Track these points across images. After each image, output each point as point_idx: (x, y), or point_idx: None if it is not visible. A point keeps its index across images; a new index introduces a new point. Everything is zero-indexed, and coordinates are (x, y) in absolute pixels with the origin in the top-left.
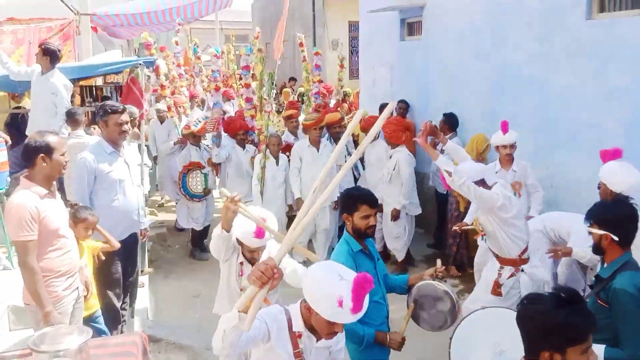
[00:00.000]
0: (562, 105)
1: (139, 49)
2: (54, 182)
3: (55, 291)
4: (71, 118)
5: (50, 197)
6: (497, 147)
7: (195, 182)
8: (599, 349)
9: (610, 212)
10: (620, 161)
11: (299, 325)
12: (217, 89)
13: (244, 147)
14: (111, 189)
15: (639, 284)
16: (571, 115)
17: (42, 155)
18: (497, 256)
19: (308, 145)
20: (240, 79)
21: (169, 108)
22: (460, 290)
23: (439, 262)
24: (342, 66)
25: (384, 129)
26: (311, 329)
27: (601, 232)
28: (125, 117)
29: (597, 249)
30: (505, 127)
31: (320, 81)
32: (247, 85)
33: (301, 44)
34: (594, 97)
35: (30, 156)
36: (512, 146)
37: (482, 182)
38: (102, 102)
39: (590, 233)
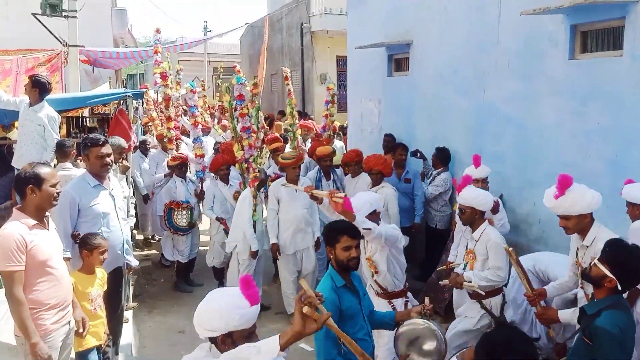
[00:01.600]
0: (542, 144)
1: (126, 81)
2: (47, 213)
3: (44, 324)
4: (60, 150)
5: (40, 228)
6: None
7: (181, 216)
8: None
9: (632, 264)
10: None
11: None
12: (195, 124)
13: (227, 183)
14: (94, 222)
15: (622, 324)
16: (551, 153)
17: (30, 186)
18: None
19: (283, 183)
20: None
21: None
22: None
23: (427, 300)
24: (333, 102)
25: (377, 166)
26: None
27: (610, 274)
28: (106, 149)
29: (592, 281)
30: (477, 162)
31: (327, 116)
32: (242, 115)
33: (286, 78)
34: (573, 136)
35: (20, 187)
36: (484, 180)
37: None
38: (85, 135)
39: (592, 263)
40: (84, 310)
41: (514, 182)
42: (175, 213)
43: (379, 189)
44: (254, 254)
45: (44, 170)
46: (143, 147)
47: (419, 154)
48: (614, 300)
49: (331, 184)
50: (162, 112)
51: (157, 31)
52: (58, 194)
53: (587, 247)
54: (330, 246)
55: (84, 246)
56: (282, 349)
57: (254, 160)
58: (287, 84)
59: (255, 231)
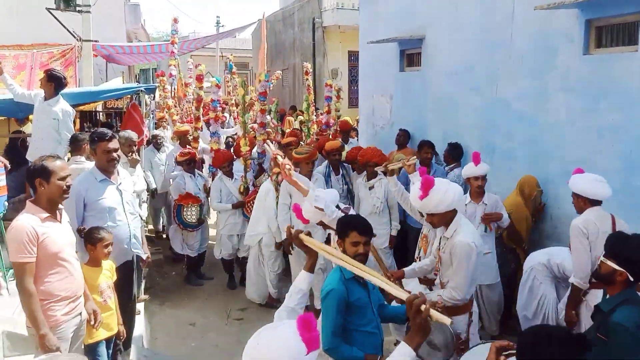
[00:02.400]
0: (554, 141)
1: (139, 75)
2: (60, 206)
3: (54, 315)
4: (73, 144)
5: (52, 220)
6: (467, 179)
7: (190, 213)
8: None
9: (636, 252)
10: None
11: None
12: (216, 119)
13: (231, 177)
14: (101, 216)
15: (638, 319)
16: (562, 150)
17: (39, 179)
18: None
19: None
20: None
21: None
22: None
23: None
24: (338, 97)
25: (374, 158)
26: None
27: (618, 268)
28: (113, 144)
29: (603, 278)
30: (477, 159)
31: (329, 112)
32: (263, 111)
33: (307, 73)
34: (585, 133)
35: (30, 180)
36: (484, 178)
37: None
38: (93, 130)
39: (600, 262)
40: (95, 303)
41: None
42: (185, 209)
43: (376, 181)
44: (278, 246)
45: (52, 164)
46: (156, 142)
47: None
48: (627, 295)
49: (340, 179)
50: (178, 107)
51: (175, 21)
52: (68, 187)
53: (447, 238)
54: (341, 239)
55: (88, 240)
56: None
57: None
58: (307, 79)
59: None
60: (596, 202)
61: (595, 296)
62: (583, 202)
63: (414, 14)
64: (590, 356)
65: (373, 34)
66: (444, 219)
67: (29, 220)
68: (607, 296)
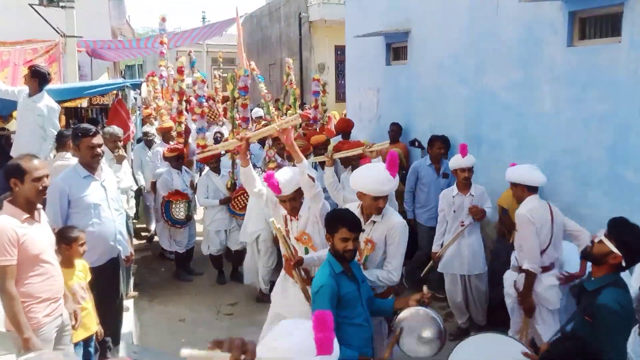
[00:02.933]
0: (540, 131)
1: (125, 71)
2: (38, 206)
3: (35, 317)
4: (59, 140)
5: (31, 221)
6: (454, 171)
7: (179, 209)
8: None
9: (637, 241)
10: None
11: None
12: (202, 114)
13: (218, 173)
14: (85, 213)
15: (623, 302)
16: (549, 140)
17: (13, 179)
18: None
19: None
20: (226, 101)
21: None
22: (448, 312)
23: (425, 288)
24: (324, 91)
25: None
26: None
27: (616, 250)
28: (97, 140)
29: (594, 258)
30: (464, 151)
31: (317, 107)
32: (244, 106)
33: (289, 68)
34: (571, 123)
35: (6, 179)
36: (470, 170)
37: None
38: (75, 125)
39: (597, 240)
40: None
41: None
42: (173, 206)
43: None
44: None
45: (27, 164)
46: (147, 140)
47: (417, 143)
48: (614, 278)
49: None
50: (166, 103)
51: (163, 19)
52: (44, 187)
53: (376, 222)
54: (329, 234)
55: (63, 240)
56: None
57: (270, 148)
58: (289, 74)
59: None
60: (533, 189)
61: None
62: (521, 191)
63: (400, 7)
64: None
65: (359, 28)
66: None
67: (8, 221)
68: (592, 278)
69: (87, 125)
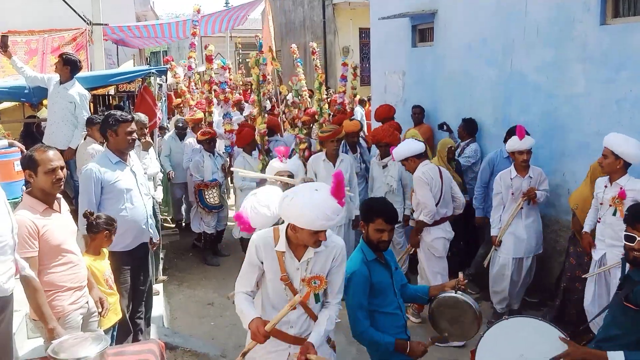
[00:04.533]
0: (572, 114)
1: (150, 58)
2: (59, 196)
3: (60, 305)
4: (90, 125)
5: (50, 211)
6: (512, 154)
7: (212, 195)
8: (618, 356)
9: None
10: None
11: (282, 245)
12: (226, 100)
13: (251, 154)
14: (118, 198)
15: None
16: (581, 122)
17: (27, 170)
18: None
19: (324, 159)
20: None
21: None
22: (477, 298)
23: (461, 274)
24: (355, 75)
25: (385, 138)
26: (294, 248)
27: None
28: (134, 126)
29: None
30: (521, 133)
31: (344, 92)
32: (264, 94)
33: (313, 52)
34: (604, 105)
35: (23, 171)
36: (529, 152)
37: None
38: (108, 112)
39: (630, 238)
40: (103, 292)
41: (543, 153)
42: (206, 192)
43: (389, 159)
44: None
45: (40, 155)
46: (180, 131)
47: (445, 127)
48: None
49: (358, 157)
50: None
51: (198, 11)
52: (59, 179)
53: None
54: (365, 222)
55: (104, 227)
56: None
57: (299, 130)
58: (314, 59)
59: None
60: (422, 157)
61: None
62: (413, 162)
63: None
64: (616, 325)
65: (384, 9)
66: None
67: (27, 213)
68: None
69: (124, 113)
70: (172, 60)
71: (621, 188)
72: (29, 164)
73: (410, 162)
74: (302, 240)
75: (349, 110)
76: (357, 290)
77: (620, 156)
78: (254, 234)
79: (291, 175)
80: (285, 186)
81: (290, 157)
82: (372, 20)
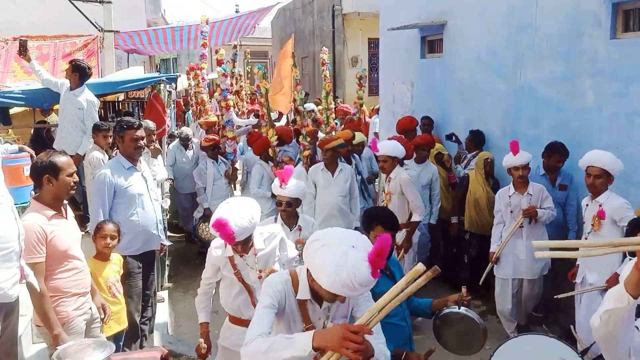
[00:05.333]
0: (582, 127)
1: (160, 65)
2: (65, 202)
3: (65, 311)
4: (93, 132)
5: (59, 217)
6: (508, 170)
7: (205, 233)
8: None
9: None
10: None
11: (305, 293)
12: (227, 107)
13: (216, 160)
14: (130, 203)
15: None
16: (590, 137)
17: (47, 175)
18: None
19: (322, 168)
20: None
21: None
22: (483, 311)
23: (464, 289)
24: (360, 85)
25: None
26: (315, 296)
27: None
28: (140, 132)
29: None
30: (515, 148)
31: (362, 105)
32: (261, 104)
33: (323, 63)
34: (614, 119)
35: (37, 177)
36: (525, 167)
37: None
38: (119, 118)
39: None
40: (104, 298)
41: None
42: (203, 228)
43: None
44: None
45: (60, 159)
46: (185, 143)
47: (454, 138)
48: None
49: (353, 168)
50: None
51: (207, 22)
52: (75, 183)
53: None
54: (365, 231)
55: (95, 232)
56: (315, 349)
57: (303, 138)
58: (324, 69)
59: None
60: (401, 162)
61: None
62: (392, 164)
63: None
64: None
65: (393, 20)
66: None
67: (36, 219)
68: None
69: (131, 119)
70: (198, 69)
71: (600, 206)
72: (51, 168)
73: (390, 162)
74: (318, 290)
75: (356, 120)
76: None
77: (612, 173)
78: (270, 277)
79: (297, 201)
80: (286, 216)
81: (295, 165)
82: (381, 31)
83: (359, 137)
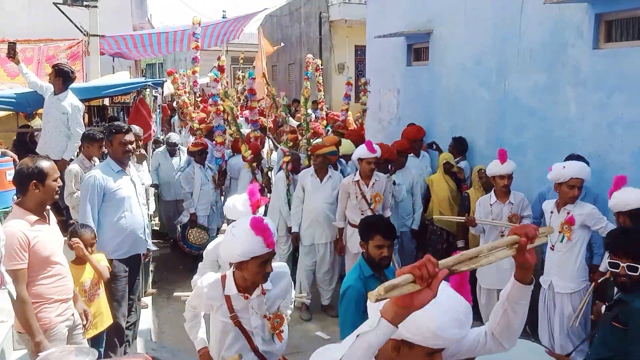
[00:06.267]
0: (565, 136)
1: (145, 70)
2: (48, 208)
3: (47, 317)
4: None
5: (42, 223)
6: (493, 178)
7: (195, 237)
8: None
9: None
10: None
11: (230, 288)
12: (217, 112)
13: (203, 165)
14: (118, 206)
15: None
16: (573, 145)
17: (34, 181)
18: None
19: (312, 174)
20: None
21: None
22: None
23: None
24: (365, 90)
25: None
26: (244, 289)
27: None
28: (129, 137)
29: (624, 286)
30: (503, 156)
31: (347, 109)
32: (252, 108)
33: (317, 69)
34: (597, 128)
35: (22, 182)
36: (510, 177)
37: None
38: (109, 123)
39: (614, 265)
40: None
41: (536, 175)
42: (192, 233)
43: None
44: (290, 230)
45: (46, 165)
46: (172, 149)
47: (434, 146)
48: None
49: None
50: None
51: (199, 24)
52: (59, 187)
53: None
54: (364, 241)
55: (71, 235)
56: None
57: (284, 144)
58: (319, 75)
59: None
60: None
61: None
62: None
63: (422, 8)
64: (606, 346)
65: (380, 28)
66: None
67: (18, 225)
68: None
69: (121, 123)
70: (176, 73)
71: (568, 213)
72: (38, 174)
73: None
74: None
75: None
76: (349, 306)
77: (586, 184)
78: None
79: None
80: None
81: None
82: (368, 38)
83: (348, 145)
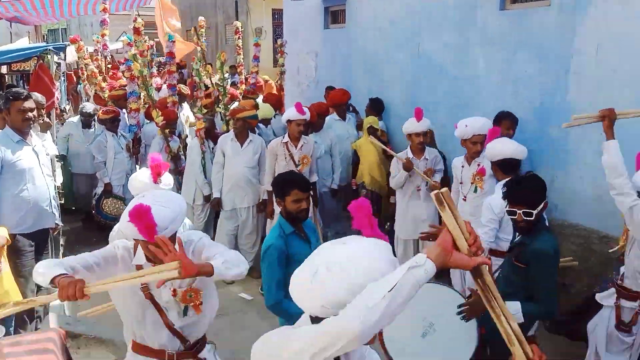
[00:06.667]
0: (474, 93)
1: (47, 36)
2: None
3: None
4: None
5: None
6: (409, 135)
7: (111, 207)
8: (514, 305)
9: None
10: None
11: (140, 257)
12: (131, 78)
13: (116, 133)
14: (19, 178)
15: (556, 246)
16: (482, 101)
17: None
18: None
19: (232, 138)
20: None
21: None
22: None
23: None
24: (282, 52)
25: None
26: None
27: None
28: (29, 104)
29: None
30: (419, 115)
31: (257, 72)
32: (171, 72)
33: (237, 32)
34: (502, 85)
35: None
36: (425, 134)
37: None
38: (6, 90)
39: (512, 212)
40: None
41: (448, 130)
42: (106, 203)
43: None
44: (206, 198)
45: None
46: (86, 119)
47: (351, 108)
48: (542, 224)
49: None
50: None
51: None
52: None
53: None
54: (280, 198)
55: None
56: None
57: (198, 110)
58: (239, 38)
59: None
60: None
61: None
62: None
63: None
64: (508, 282)
65: None
66: None
67: None
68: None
69: (19, 89)
70: (80, 40)
71: (479, 165)
72: None
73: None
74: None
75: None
76: (271, 262)
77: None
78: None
79: None
80: None
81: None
82: (284, 2)
83: (267, 109)
